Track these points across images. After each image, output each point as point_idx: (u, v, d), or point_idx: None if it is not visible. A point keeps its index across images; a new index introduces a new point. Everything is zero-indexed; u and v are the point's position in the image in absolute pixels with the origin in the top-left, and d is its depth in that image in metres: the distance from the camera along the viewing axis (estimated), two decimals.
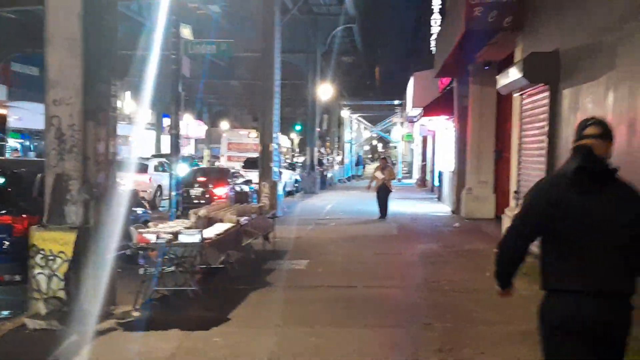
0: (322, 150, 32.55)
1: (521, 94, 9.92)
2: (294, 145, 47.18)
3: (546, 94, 8.55)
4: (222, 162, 29.36)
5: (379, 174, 15.07)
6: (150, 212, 10.38)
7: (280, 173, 17.49)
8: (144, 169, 18.59)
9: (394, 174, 15.93)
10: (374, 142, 75.81)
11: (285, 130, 54.23)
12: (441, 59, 14.51)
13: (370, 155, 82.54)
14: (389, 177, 15.18)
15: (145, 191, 17.68)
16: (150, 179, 18.54)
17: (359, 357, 5.16)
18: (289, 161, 28.96)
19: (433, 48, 21.91)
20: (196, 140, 48.42)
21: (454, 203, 16.34)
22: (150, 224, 7.54)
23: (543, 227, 2.80)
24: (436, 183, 22.64)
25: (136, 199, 9.68)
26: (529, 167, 9.51)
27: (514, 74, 8.99)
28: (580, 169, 2.77)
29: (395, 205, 17.37)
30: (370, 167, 42.14)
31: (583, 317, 2.68)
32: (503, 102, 13.60)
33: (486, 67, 13.96)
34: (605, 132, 2.90)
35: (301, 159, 35.84)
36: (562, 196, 2.77)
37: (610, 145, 2.91)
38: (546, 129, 8.54)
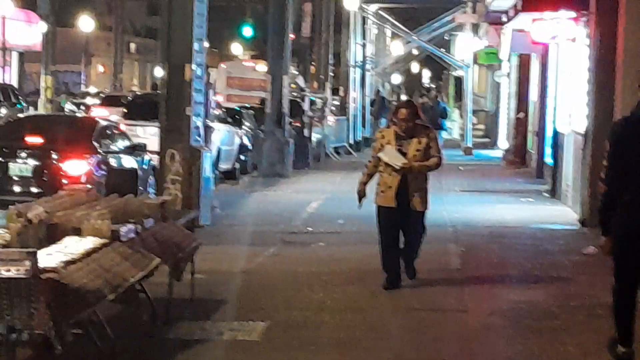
0: (301, 82, 32.70)
1: None
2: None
3: None
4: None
5: (390, 152, 11.50)
6: None
7: (209, 130, 17.54)
8: None
9: (438, 154, 11.78)
10: (414, 68, 76.07)
11: (218, 35, 53.86)
12: None
13: (403, 96, 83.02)
14: (422, 164, 11.49)
15: None
16: None
17: None
18: (225, 107, 29.08)
19: None
20: (21, 54, 48.30)
21: (586, 203, 16.50)
22: None
23: (619, 159, 7.97)
24: (547, 159, 22.81)
25: None
26: None
27: None
28: None
29: (459, 207, 17.49)
30: None
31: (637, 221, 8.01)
32: None
33: None
34: None
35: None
36: (629, 136, 7.95)
37: None
38: None
